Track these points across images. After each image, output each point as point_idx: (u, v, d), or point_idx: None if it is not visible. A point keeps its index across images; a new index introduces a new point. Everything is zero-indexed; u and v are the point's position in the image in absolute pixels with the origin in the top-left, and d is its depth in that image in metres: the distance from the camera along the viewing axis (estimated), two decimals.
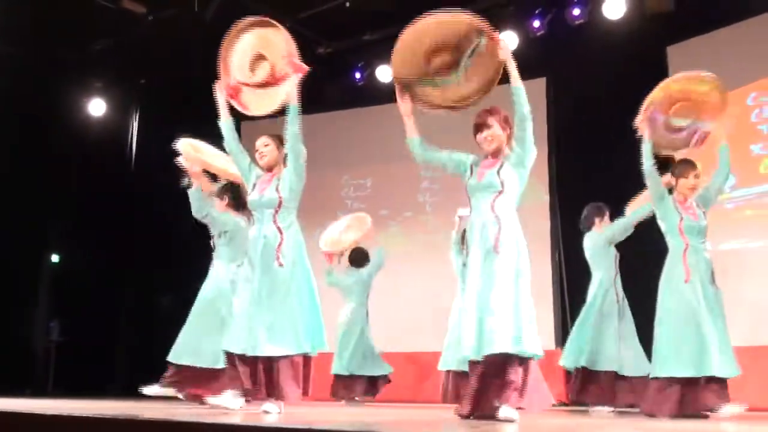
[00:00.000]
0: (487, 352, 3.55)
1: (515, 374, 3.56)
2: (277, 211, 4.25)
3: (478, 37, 3.82)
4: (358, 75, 8.81)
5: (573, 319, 7.73)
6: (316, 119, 9.32)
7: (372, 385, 7.15)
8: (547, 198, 7.83)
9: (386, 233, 8.85)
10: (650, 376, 4.66)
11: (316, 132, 9.23)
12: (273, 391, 4.08)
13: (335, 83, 9.05)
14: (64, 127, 9.00)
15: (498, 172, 3.78)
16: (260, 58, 4.33)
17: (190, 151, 5.31)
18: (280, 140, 4.38)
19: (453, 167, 3.96)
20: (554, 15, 7.57)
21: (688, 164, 4.80)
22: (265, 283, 4.15)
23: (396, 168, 8.80)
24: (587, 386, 5.72)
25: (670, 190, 4.85)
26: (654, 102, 4.77)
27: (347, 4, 7.68)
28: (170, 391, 5.24)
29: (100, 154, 9.15)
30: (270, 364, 4.07)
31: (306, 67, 4.25)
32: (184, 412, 4.25)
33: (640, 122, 4.77)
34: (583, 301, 7.64)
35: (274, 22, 4.32)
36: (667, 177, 4.87)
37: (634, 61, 7.49)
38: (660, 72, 7.39)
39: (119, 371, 9.35)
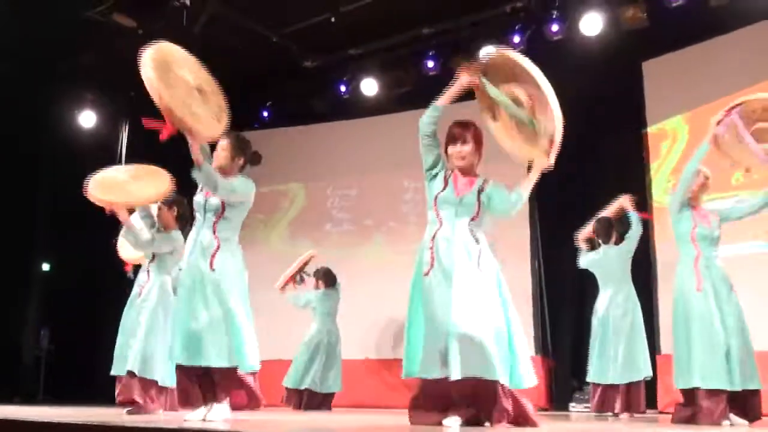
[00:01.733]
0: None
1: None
2: (218, 219, 4.14)
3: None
4: (343, 88, 8.92)
5: (552, 326, 7.90)
6: (301, 131, 9.48)
7: (328, 400, 7.32)
8: (526, 208, 7.98)
9: (370, 243, 9.00)
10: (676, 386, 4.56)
11: (302, 144, 9.40)
12: (208, 397, 4.00)
13: (321, 96, 9.21)
14: (55, 138, 9.08)
15: (478, 197, 3.77)
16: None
17: (99, 197, 5.27)
18: (240, 149, 4.25)
19: (433, 161, 3.85)
20: (533, 31, 7.70)
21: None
22: (197, 289, 4.03)
23: (380, 179, 8.92)
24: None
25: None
26: (743, 107, 4.50)
27: (332, 20, 7.81)
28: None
29: (90, 164, 9.19)
30: (206, 371, 3.99)
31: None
32: (170, 419, 4.34)
33: (719, 122, 4.55)
34: (562, 307, 7.80)
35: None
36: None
37: (611, 76, 7.68)
38: (635, 86, 7.63)
39: (108, 379, 9.39)
